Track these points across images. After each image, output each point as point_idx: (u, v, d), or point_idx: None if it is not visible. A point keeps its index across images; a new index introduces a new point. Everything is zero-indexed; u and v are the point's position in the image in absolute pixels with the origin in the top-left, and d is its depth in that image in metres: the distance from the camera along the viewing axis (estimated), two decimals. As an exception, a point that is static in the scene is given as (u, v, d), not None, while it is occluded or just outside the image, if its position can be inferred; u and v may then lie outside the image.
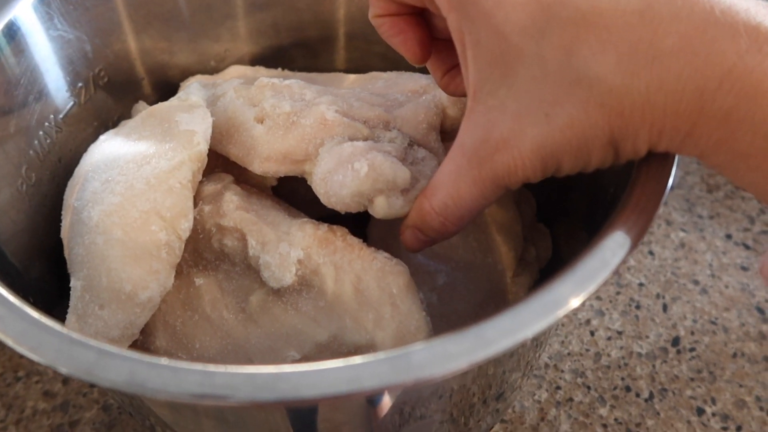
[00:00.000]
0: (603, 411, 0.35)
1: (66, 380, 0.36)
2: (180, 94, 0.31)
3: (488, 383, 0.26)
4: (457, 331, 0.16)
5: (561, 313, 0.17)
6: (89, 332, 0.22)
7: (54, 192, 0.29)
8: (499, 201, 0.29)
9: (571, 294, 0.17)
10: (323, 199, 0.25)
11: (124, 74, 0.32)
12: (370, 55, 0.36)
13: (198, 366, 0.16)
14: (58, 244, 0.27)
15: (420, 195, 0.24)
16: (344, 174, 0.24)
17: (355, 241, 0.25)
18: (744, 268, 0.41)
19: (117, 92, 0.32)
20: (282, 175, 0.27)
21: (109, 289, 0.22)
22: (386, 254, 0.24)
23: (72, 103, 0.30)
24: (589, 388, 0.36)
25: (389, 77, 0.32)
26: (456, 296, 0.29)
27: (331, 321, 0.24)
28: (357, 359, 0.16)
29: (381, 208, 0.24)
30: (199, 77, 0.34)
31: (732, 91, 0.17)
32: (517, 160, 0.19)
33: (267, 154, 0.26)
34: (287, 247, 0.25)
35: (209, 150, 0.32)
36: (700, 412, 0.35)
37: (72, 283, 0.24)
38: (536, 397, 0.35)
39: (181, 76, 0.34)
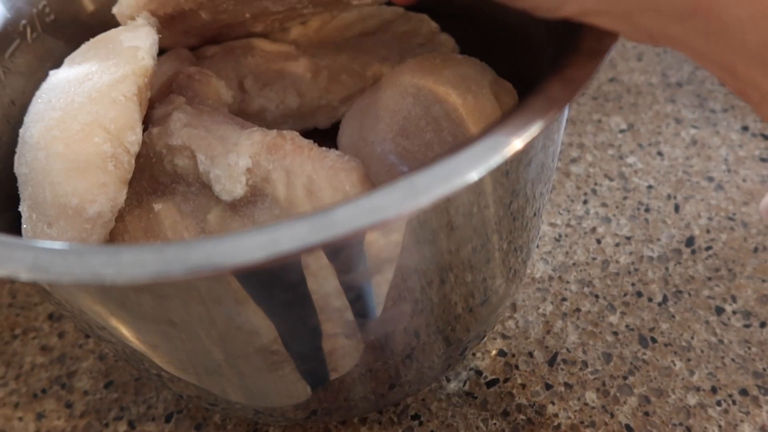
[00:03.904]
0: (613, 318, 0.33)
1: (62, 334, 0.36)
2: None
3: (469, 291, 0.25)
4: (387, 185, 0.14)
5: (501, 156, 0.15)
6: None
7: (9, 134, 0.28)
8: (476, 93, 0.27)
9: (510, 138, 0.15)
10: None
11: (72, 11, 0.31)
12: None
13: (105, 247, 0.14)
14: (15, 183, 0.26)
15: None
16: None
17: (305, 143, 0.23)
18: (763, 160, 0.38)
19: (67, 31, 0.31)
20: None
21: (55, 205, 0.21)
22: (338, 152, 0.22)
23: (17, 41, 0.29)
24: (597, 297, 0.34)
25: None
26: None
27: None
28: (278, 223, 0.14)
29: None
30: None
31: None
32: None
33: None
34: (235, 157, 0.23)
35: (166, 80, 0.31)
36: (720, 311, 0.33)
37: (20, 207, 0.23)
38: (540, 310, 0.33)
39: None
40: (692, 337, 0.32)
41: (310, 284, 0.19)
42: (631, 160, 0.39)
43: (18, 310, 0.37)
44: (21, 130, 0.25)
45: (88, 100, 0.23)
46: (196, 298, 0.17)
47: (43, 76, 0.31)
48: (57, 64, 0.31)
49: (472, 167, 0.15)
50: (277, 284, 0.17)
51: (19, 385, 0.34)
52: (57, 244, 0.15)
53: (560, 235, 0.36)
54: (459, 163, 0.15)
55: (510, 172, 0.21)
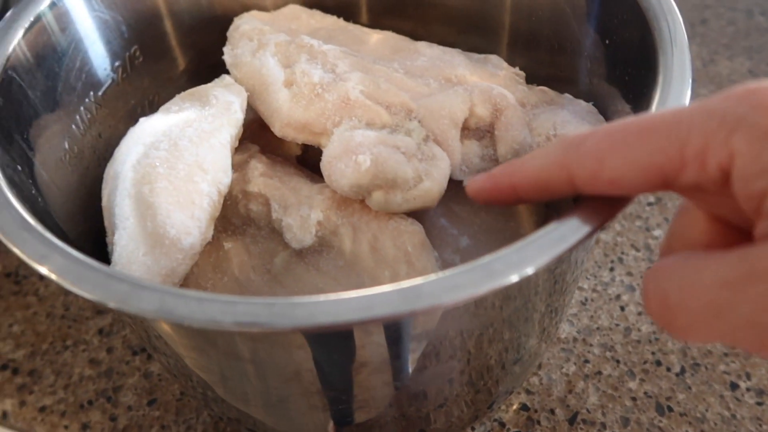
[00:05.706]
0: (632, 384, 0.35)
1: (110, 349, 0.38)
2: (225, 48, 0.32)
3: (505, 347, 0.27)
4: (465, 266, 0.17)
5: (567, 244, 0.17)
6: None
7: (95, 164, 0.31)
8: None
9: (583, 225, 0.17)
10: (327, 181, 0.26)
11: (159, 54, 0.34)
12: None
13: (222, 296, 0.17)
14: (98, 212, 0.28)
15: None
16: (346, 164, 0.25)
17: None
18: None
19: (152, 71, 0.34)
20: (301, 142, 0.28)
21: (154, 234, 0.24)
22: (402, 215, 0.25)
23: (111, 80, 0.32)
24: (618, 361, 0.36)
25: (433, 55, 0.31)
26: (478, 258, 0.29)
27: (349, 279, 0.25)
28: (371, 290, 0.16)
29: (377, 203, 0.25)
30: (254, 13, 0.35)
31: None
32: None
33: (288, 120, 0.27)
34: (307, 209, 0.26)
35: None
36: (734, 386, 0.34)
37: (115, 239, 0.25)
38: (564, 369, 0.35)
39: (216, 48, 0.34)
40: (707, 410, 0.33)
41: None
42: (657, 233, 0.41)
43: (70, 322, 0.39)
44: (117, 166, 0.27)
45: (190, 143, 0.26)
46: (281, 344, 0.19)
47: (126, 112, 0.34)
48: (140, 100, 0.35)
49: (538, 257, 0.17)
50: (349, 337, 0.20)
51: (67, 394, 0.36)
52: (178, 291, 0.17)
53: (586, 299, 0.38)
54: (528, 251, 0.17)
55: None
